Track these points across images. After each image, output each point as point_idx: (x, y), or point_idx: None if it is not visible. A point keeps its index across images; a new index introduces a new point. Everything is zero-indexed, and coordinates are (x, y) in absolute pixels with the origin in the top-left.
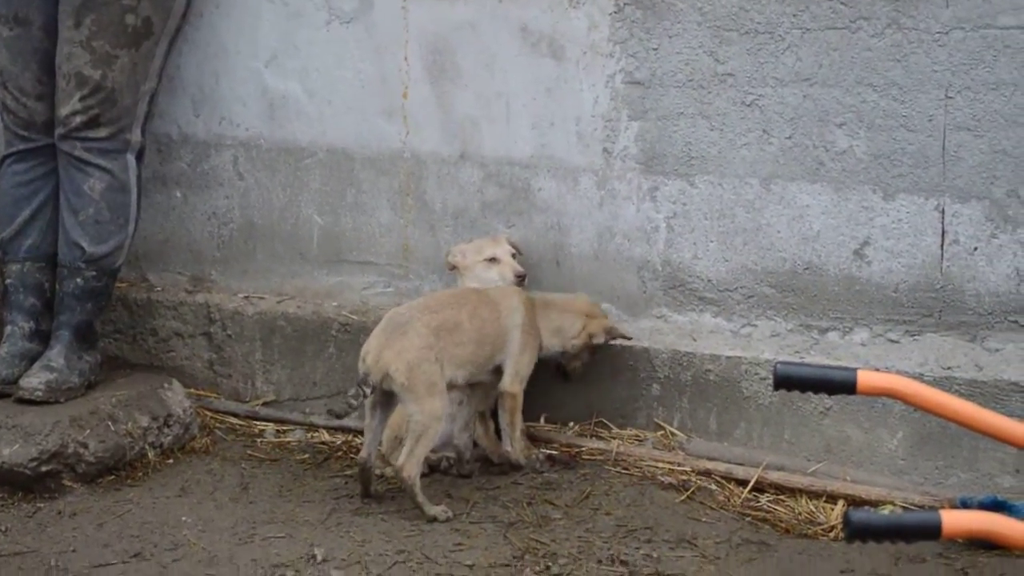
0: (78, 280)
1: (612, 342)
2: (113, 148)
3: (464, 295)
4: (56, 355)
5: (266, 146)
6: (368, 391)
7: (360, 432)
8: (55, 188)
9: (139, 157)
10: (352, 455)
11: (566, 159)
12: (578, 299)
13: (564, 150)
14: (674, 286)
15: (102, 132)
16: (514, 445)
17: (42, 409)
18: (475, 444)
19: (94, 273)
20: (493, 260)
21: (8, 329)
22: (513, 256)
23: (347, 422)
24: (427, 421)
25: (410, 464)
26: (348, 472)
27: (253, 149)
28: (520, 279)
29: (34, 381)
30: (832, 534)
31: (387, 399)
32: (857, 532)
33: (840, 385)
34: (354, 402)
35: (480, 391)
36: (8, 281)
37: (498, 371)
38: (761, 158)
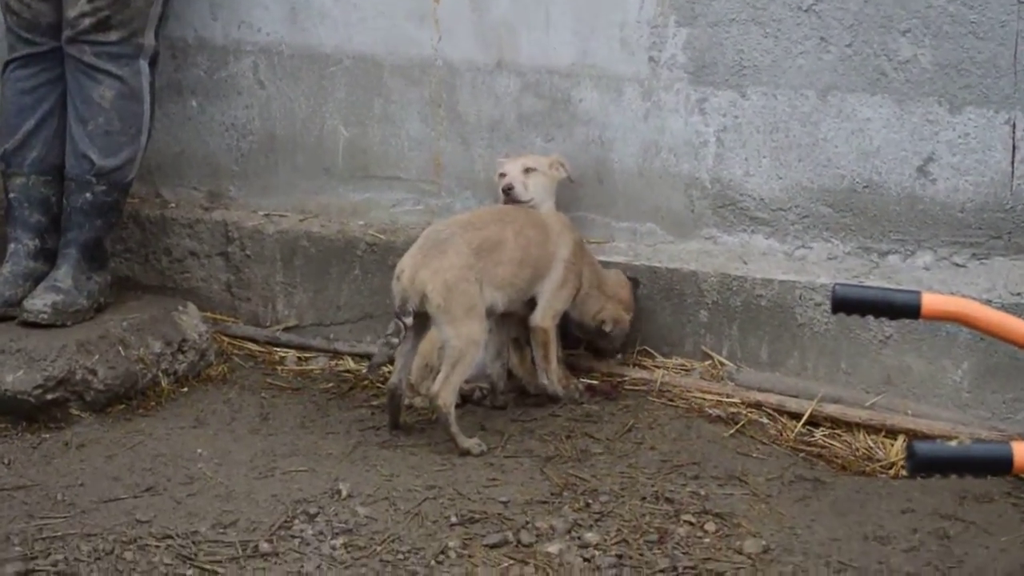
0: (87, 195)
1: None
2: (124, 53)
3: (511, 212)
4: (63, 275)
5: (288, 52)
6: (409, 322)
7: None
8: (62, 96)
9: (152, 63)
10: (379, 384)
11: (609, 68)
12: (610, 277)
13: (607, 58)
14: (724, 205)
15: (113, 35)
16: (550, 377)
17: (48, 333)
18: (510, 374)
19: (104, 187)
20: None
21: (11, 247)
22: (502, 176)
23: (374, 348)
24: (464, 346)
25: (445, 391)
26: (375, 402)
27: (275, 55)
28: (506, 193)
29: (39, 303)
30: (891, 471)
31: (420, 322)
32: (921, 465)
33: (902, 309)
34: (395, 341)
35: (514, 317)
36: (11, 195)
37: (533, 302)
38: (818, 68)
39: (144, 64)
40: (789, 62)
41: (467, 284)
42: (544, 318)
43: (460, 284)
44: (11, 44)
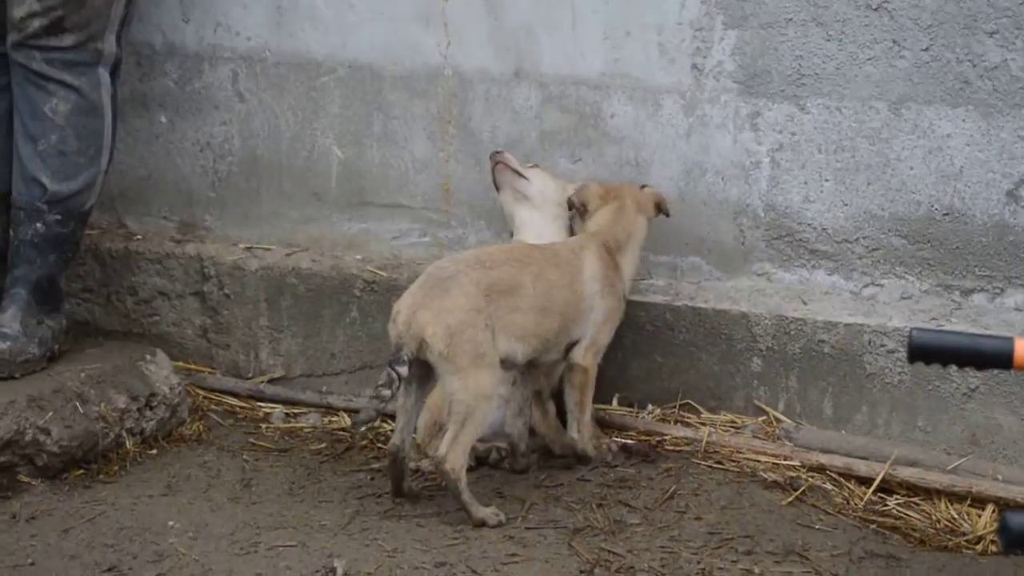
0: (38, 225)
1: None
2: (81, 60)
3: (527, 251)
4: (10, 318)
5: (273, 60)
6: (404, 371)
7: (390, 415)
8: (7, 110)
9: (114, 72)
10: (380, 444)
11: (645, 77)
12: None
13: (643, 66)
14: (779, 236)
15: (67, 40)
16: (582, 432)
17: None
18: (532, 432)
19: (58, 217)
20: None
21: None
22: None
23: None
24: (472, 401)
25: (454, 453)
26: (375, 465)
27: (257, 64)
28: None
29: None
30: (979, 547)
31: (424, 373)
32: (1017, 540)
33: (992, 357)
34: (387, 394)
35: (537, 368)
36: None
37: (571, 347)
38: (890, 76)
39: (104, 73)
40: (856, 69)
41: (474, 330)
42: (586, 355)
43: (466, 329)
44: None
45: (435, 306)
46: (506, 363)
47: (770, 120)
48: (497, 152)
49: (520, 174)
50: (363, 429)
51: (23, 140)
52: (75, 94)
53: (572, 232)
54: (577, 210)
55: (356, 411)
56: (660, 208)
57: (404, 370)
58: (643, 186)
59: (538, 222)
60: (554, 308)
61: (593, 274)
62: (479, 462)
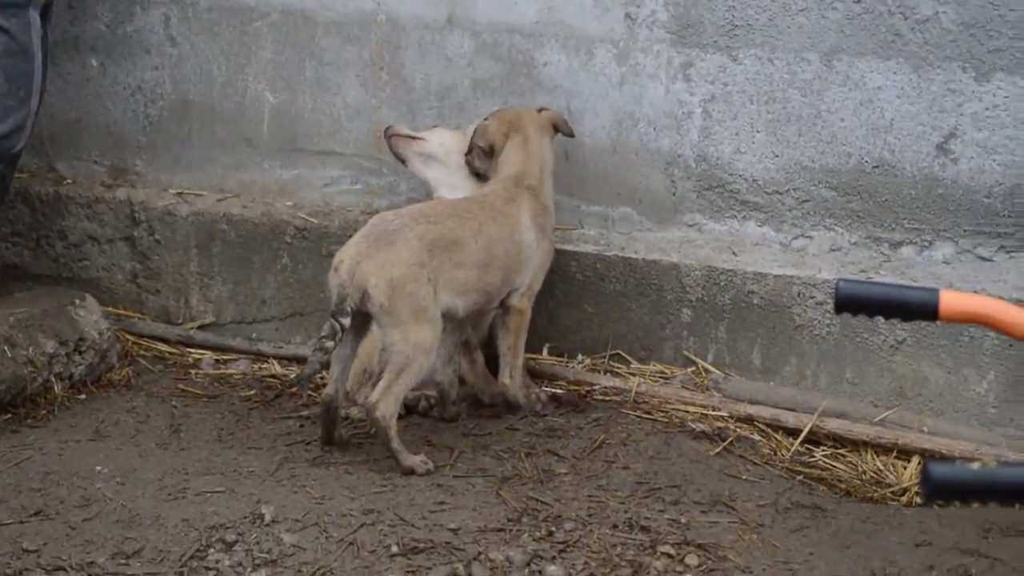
0: None
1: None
2: (11, 2)
3: (468, 207)
4: None
5: (205, 4)
6: (347, 323)
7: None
8: None
9: (44, 14)
10: (310, 392)
11: (578, 26)
12: None
13: (576, 15)
14: (711, 187)
15: None
16: (514, 377)
17: None
18: (461, 381)
19: None
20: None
21: None
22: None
23: (304, 351)
24: (411, 353)
25: (386, 402)
26: (304, 412)
27: (189, 7)
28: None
29: None
30: (904, 498)
31: (360, 322)
32: (939, 491)
33: (918, 309)
34: (330, 345)
35: (470, 317)
36: None
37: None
38: (822, 27)
39: (34, 15)
40: (788, 20)
41: (416, 284)
42: (522, 299)
43: (408, 283)
44: None
45: (379, 258)
46: (446, 316)
47: (702, 71)
48: (388, 127)
49: (415, 136)
50: (309, 382)
51: None
52: (4, 36)
53: (480, 177)
54: (482, 151)
55: (288, 358)
56: (559, 128)
57: (347, 321)
58: (540, 109)
59: (448, 176)
60: (495, 263)
61: (528, 223)
62: (408, 410)
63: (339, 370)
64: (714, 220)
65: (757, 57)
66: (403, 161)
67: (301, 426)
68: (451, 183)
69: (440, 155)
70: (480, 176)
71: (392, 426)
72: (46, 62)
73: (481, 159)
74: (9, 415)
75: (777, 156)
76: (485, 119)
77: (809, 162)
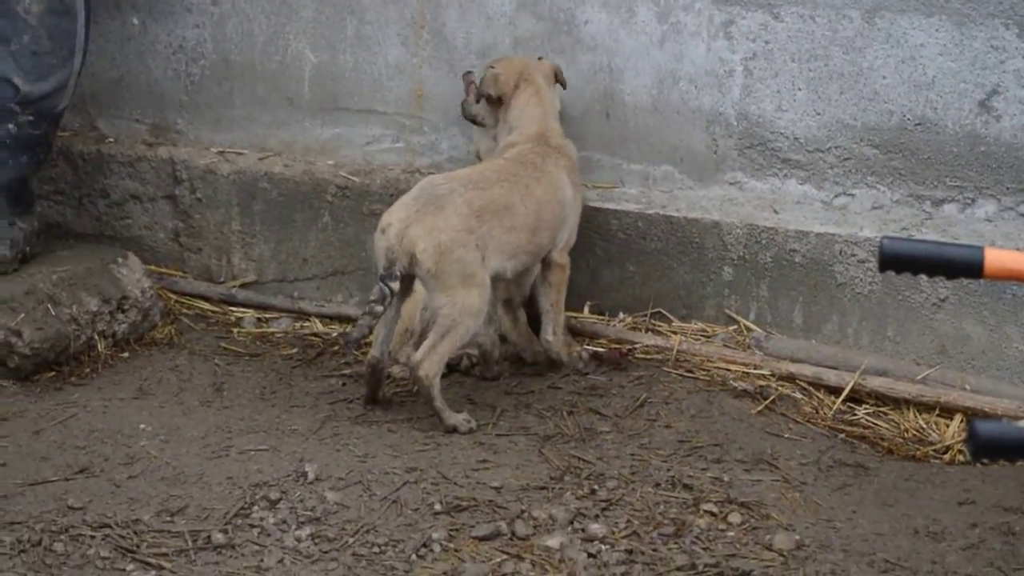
0: (10, 126)
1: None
2: None
3: (513, 169)
4: None
5: None
6: (396, 287)
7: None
8: None
9: None
10: (353, 351)
11: None
12: None
13: None
14: (752, 145)
15: None
16: (556, 334)
17: None
18: (503, 340)
19: (30, 118)
20: None
21: None
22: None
23: (345, 309)
24: (458, 316)
25: (430, 361)
26: (346, 371)
27: None
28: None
29: None
30: (946, 456)
31: (404, 284)
32: (983, 448)
33: (961, 267)
34: (379, 309)
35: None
36: None
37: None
38: None
39: None
40: None
41: (464, 249)
42: (562, 254)
43: (456, 248)
44: None
45: (428, 222)
46: (496, 279)
47: (744, 28)
48: (469, 72)
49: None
50: (355, 345)
51: None
52: None
53: (475, 123)
54: (491, 99)
55: (329, 317)
56: (559, 78)
57: (396, 285)
58: (539, 58)
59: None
60: (543, 224)
61: (567, 180)
62: (451, 369)
63: (384, 332)
64: (755, 178)
65: (798, 15)
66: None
67: (343, 384)
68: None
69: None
70: (476, 122)
71: (435, 385)
72: (89, 20)
73: (488, 108)
74: (53, 373)
75: (819, 114)
76: (490, 66)
77: (851, 120)
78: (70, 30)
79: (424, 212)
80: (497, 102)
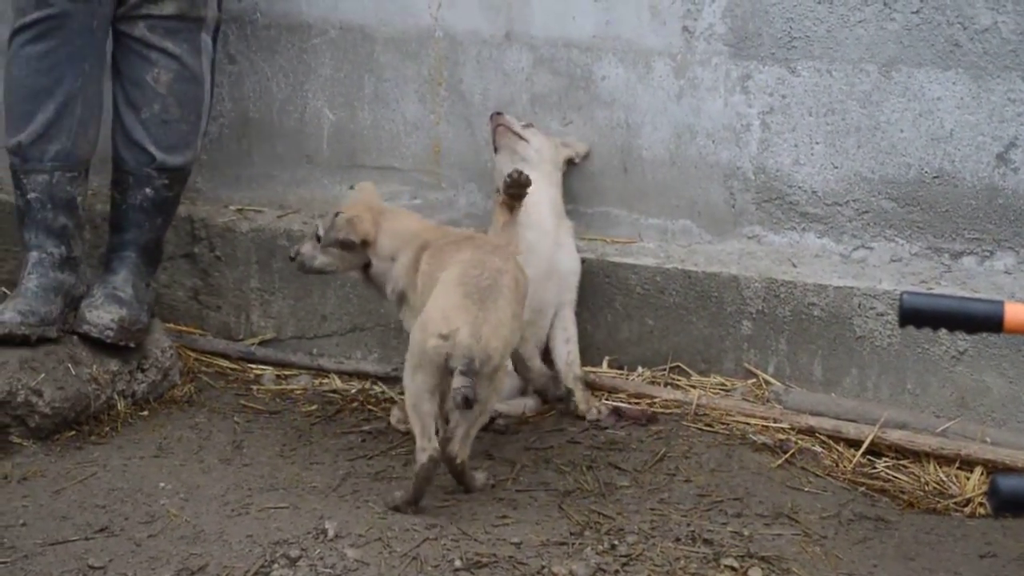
0: (147, 190)
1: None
2: (183, 27)
3: (495, 251)
4: (122, 282)
5: (264, 21)
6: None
7: (379, 377)
8: (88, 74)
9: (215, 35)
10: (370, 405)
11: (636, 40)
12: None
13: (634, 28)
14: (770, 199)
15: (169, 7)
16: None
17: None
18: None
19: (165, 181)
20: None
21: (32, 256)
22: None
23: (364, 365)
24: (493, 404)
25: (465, 449)
26: (365, 427)
27: (247, 25)
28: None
29: (105, 317)
30: (967, 509)
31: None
32: (1006, 503)
33: (982, 321)
34: (462, 400)
35: None
36: (30, 196)
37: None
38: (880, 38)
39: (206, 38)
40: (846, 32)
41: (516, 336)
42: None
43: (515, 339)
44: (19, 7)
45: (493, 320)
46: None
47: (760, 83)
48: (498, 114)
49: (520, 136)
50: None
51: (125, 107)
52: (176, 63)
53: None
54: (352, 245)
55: (348, 373)
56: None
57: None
58: (351, 187)
59: (535, 182)
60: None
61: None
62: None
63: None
64: (774, 232)
65: (815, 69)
66: (495, 149)
67: (363, 441)
68: (534, 190)
69: (534, 161)
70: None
71: (467, 464)
72: (213, 84)
73: (345, 254)
74: (73, 432)
75: (836, 168)
76: (336, 213)
77: (869, 173)
78: (198, 96)
79: (486, 310)
80: (363, 245)
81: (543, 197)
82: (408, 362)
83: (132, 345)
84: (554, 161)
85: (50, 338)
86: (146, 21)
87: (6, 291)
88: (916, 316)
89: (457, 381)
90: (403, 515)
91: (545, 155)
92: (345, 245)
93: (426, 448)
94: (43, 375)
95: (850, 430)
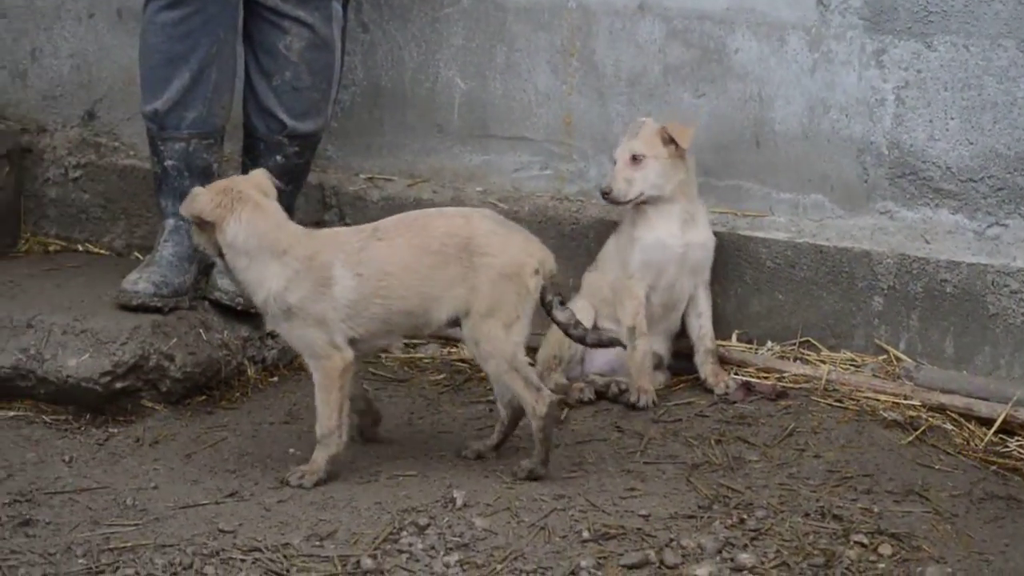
0: (278, 157)
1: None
2: None
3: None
4: None
5: None
6: None
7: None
8: (220, 38)
9: (346, 4)
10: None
11: (771, 12)
12: None
13: (768, 1)
14: (903, 174)
15: None
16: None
17: (117, 312)
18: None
19: (296, 149)
20: None
21: (169, 223)
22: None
23: None
24: None
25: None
26: (492, 397)
27: None
28: (603, 196)
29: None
30: None
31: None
32: None
33: None
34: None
35: None
36: (168, 163)
37: None
38: (1019, 13)
39: (337, 6)
40: (984, 7)
41: None
42: None
43: None
44: None
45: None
46: None
47: (896, 57)
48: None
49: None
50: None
51: (257, 75)
52: (308, 31)
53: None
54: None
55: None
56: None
57: None
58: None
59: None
60: None
61: None
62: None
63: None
64: (907, 208)
65: (952, 44)
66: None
67: (490, 410)
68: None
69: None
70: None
71: None
72: (343, 51)
73: (201, 233)
74: (204, 397)
75: (971, 143)
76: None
77: (1004, 149)
78: (328, 63)
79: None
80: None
81: (665, 201)
82: (498, 322)
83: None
84: (667, 173)
85: (182, 308)
86: None
87: (138, 256)
88: None
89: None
90: (531, 485)
91: (657, 176)
92: (196, 222)
93: (544, 394)
94: (175, 340)
95: (982, 408)
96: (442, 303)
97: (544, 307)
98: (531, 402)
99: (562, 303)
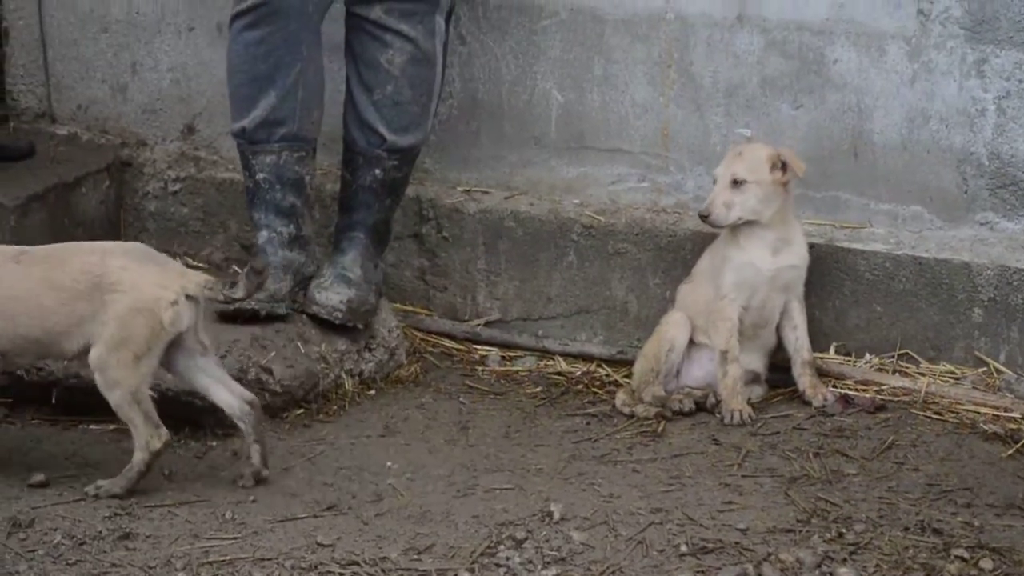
0: (376, 171)
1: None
2: (419, 9)
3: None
4: (351, 263)
5: (495, 2)
6: None
7: (605, 360)
8: (304, 56)
9: (448, 17)
10: (595, 388)
11: (870, 23)
12: None
13: (868, 11)
14: (1004, 185)
15: None
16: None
17: (216, 325)
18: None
19: (395, 163)
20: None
21: (262, 235)
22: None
23: (589, 348)
24: None
25: None
26: (590, 410)
27: (478, 6)
28: (702, 219)
29: (334, 298)
30: None
31: None
32: None
33: None
34: None
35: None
36: (259, 176)
37: None
38: None
39: (440, 20)
40: None
41: None
42: None
43: None
44: None
45: None
46: None
47: (997, 67)
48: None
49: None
50: None
51: (358, 88)
52: (411, 45)
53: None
54: None
55: (573, 355)
56: None
57: None
58: None
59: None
60: None
61: None
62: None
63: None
64: (1007, 219)
65: None
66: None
67: (587, 424)
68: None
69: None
70: None
71: None
72: (445, 65)
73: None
74: (302, 410)
75: None
76: None
77: None
78: (429, 77)
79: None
80: None
81: (761, 227)
82: (128, 354)
83: (360, 326)
84: (768, 198)
85: (279, 315)
86: (383, 4)
87: (236, 269)
88: None
89: None
90: (629, 499)
91: (758, 201)
92: None
93: (162, 432)
94: (273, 353)
95: None
96: (71, 337)
97: (224, 303)
98: (146, 436)
99: (233, 284)
